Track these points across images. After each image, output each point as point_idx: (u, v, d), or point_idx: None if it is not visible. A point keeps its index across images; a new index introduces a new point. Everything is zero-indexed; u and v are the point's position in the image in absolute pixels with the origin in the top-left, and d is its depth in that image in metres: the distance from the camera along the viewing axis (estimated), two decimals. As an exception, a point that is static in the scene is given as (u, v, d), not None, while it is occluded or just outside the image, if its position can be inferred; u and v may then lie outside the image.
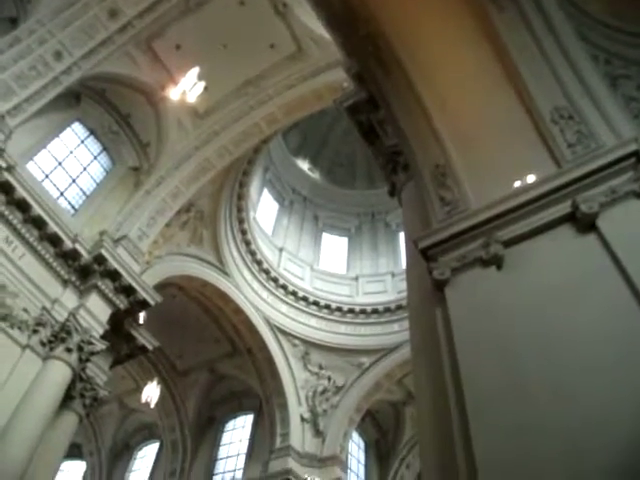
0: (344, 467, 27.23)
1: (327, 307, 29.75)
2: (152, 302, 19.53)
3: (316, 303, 29.75)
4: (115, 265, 18.37)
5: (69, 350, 16.58)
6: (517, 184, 7.55)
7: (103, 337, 17.93)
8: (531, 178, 7.49)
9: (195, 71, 20.11)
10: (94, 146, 21.36)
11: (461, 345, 6.45)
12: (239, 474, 28.79)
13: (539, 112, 7.86)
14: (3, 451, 14.05)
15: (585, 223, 6.66)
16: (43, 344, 16.44)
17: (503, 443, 5.40)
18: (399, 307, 28.77)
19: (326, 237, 35.25)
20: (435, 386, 6.80)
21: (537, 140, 7.80)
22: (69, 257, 17.99)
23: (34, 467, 14.92)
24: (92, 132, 21.33)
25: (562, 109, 7.71)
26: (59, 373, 16.23)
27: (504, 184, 7.59)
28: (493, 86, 8.48)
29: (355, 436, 30.37)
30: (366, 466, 31.26)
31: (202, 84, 20.21)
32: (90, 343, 17.18)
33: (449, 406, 6.16)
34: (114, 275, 18.42)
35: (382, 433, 32.06)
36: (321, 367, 28.64)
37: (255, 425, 30.46)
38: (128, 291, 18.89)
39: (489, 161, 8.11)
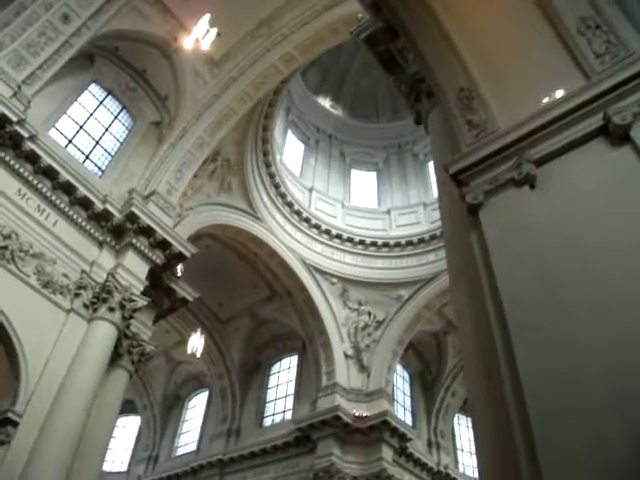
0: (390, 400, 27.61)
1: (361, 243, 29.80)
2: (188, 254, 19.66)
3: (350, 240, 29.80)
4: (147, 221, 18.46)
5: (112, 309, 16.83)
6: (545, 101, 7.34)
7: (143, 293, 18.14)
8: (559, 93, 7.26)
9: (206, 18, 19.71)
10: (113, 106, 21.28)
11: (499, 266, 6.39)
12: (289, 415, 29.34)
13: (564, 24, 7.57)
14: (61, 411, 14.45)
15: (618, 135, 6.45)
16: (86, 306, 16.73)
17: (547, 360, 5.38)
18: (433, 237, 28.76)
19: (355, 173, 35.13)
20: (476, 309, 6.78)
21: (564, 54, 7.52)
22: (101, 218, 18.14)
23: (91, 424, 15.34)
24: (110, 92, 21.22)
25: (588, 19, 7.40)
26: (104, 333, 16.51)
27: (532, 102, 7.37)
28: (514, 2, 8.19)
29: (399, 369, 30.68)
30: (412, 397, 31.66)
31: (214, 30, 19.81)
32: (131, 300, 17.41)
33: (491, 328, 6.13)
34: (148, 231, 18.54)
35: (425, 364, 32.36)
36: (360, 303, 28.83)
37: (300, 366, 30.90)
38: (163, 245, 19.01)
39: (515, 80, 7.88)
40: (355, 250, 29.71)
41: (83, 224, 17.70)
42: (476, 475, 27.64)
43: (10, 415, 14.03)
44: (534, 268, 6.09)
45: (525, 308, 5.88)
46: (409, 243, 29.54)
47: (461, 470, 31.45)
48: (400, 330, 28.40)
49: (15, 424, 14.04)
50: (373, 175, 35.22)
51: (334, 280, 28.89)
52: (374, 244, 29.81)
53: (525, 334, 5.68)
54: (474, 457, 28.30)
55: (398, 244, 29.67)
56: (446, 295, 25.88)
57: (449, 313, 28.00)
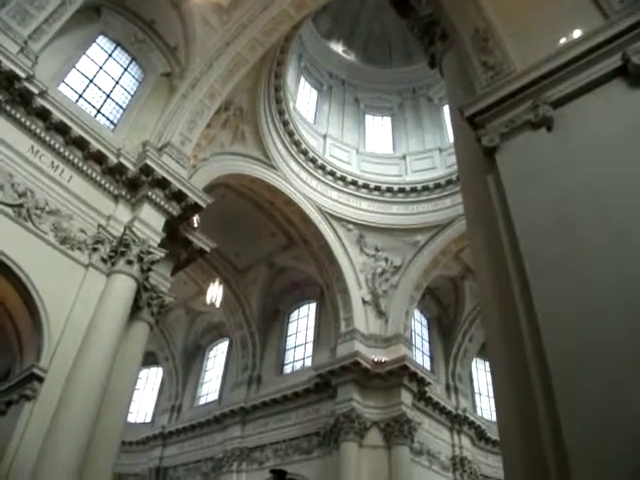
0: (409, 345, 27.80)
1: (377, 189, 29.68)
2: (203, 204, 19.60)
3: (366, 186, 29.68)
4: (162, 173, 18.38)
5: (130, 262, 16.87)
6: (563, 41, 7.18)
7: (161, 245, 18.10)
8: (577, 33, 7.09)
9: (214, -37, 19.34)
10: (122, 58, 20.96)
11: (516, 210, 6.35)
12: (308, 362, 29.72)
13: (581, -40, 7.36)
14: (84, 365, 14.62)
15: (637, 75, 6.31)
16: (104, 260, 16.76)
17: (563, 299, 5.37)
18: (449, 182, 28.62)
19: (369, 119, 34.86)
20: (493, 252, 6.76)
21: (581, -8, 7.34)
22: (116, 172, 18.05)
23: (115, 377, 15.53)
24: (118, 44, 20.89)
25: (608, -45, 7.19)
26: (124, 286, 16.58)
27: (549, 43, 7.21)
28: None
29: (417, 314, 30.88)
30: (430, 342, 31.95)
31: (223, -24, 19.46)
32: (149, 253, 17.43)
33: (508, 270, 6.13)
34: (162, 183, 18.47)
35: (443, 309, 32.52)
36: (377, 249, 28.87)
37: (319, 313, 31.17)
38: (179, 197, 18.94)
39: (531, 20, 7.69)
40: (371, 196, 29.62)
41: (98, 179, 17.64)
42: (494, 418, 27.98)
43: (35, 371, 14.25)
44: (551, 209, 6.04)
45: (542, 249, 5.86)
46: (425, 188, 29.39)
47: (479, 414, 31.88)
48: (417, 275, 28.47)
49: (40, 379, 14.26)
50: (388, 120, 34.92)
51: (350, 227, 28.88)
52: (390, 190, 29.69)
53: (542, 275, 5.68)
54: (492, 400, 28.68)
55: (414, 189, 29.53)
56: (463, 240, 25.89)
57: (466, 258, 28.01)
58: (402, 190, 29.60)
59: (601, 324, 5.02)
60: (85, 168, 17.38)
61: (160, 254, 17.91)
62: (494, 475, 29.01)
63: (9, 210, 15.01)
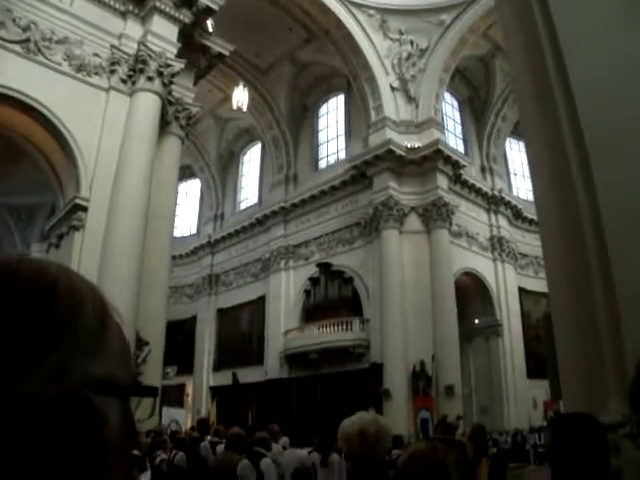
0: (441, 128, 27.65)
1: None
2: (215, 7, 18.72)
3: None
4: (165, -23, 17.45)
5: (150, 79, 16.55)
6: None
7: (178, 56, 17.60)
8: None
9: None
10: None
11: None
12: (342, 155, 29.94)
13: None
14: (123, 188, 14.96)
15: None
16: (124, 81, 16.44)
17: (601, 80, 5.13)
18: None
19: None
20: (523, 24, 6.35)
21: None
22: (117, -14, 17.18)
23: (155, 193, 15.86)
24: None
25: None
26: (148, 103, 16.41)
27: None
28: None
29: (447, 97, 30.39)
30: (462, 125, 31.71)
31: None
32: (168, 65, 17.00)
33: (541, 45, 5.76)
34: (168, -9, 17.59)
35: (474, 89, 31.88)
36: (401, 32, 27.78)
37: (347, 104, 30.96)
38: (188, 2, 18.03)
39: None
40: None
41: (101, -3, 16.84)
42: (530, 198, 28.23)
43: (78, 201, 14.72)
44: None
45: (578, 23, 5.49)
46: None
47: (515, 193, 32.38)
48: (445, 56, 27.57)
49: (84, 209, 14.76)
50: None
51: (371, 12, 27.60)
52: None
53: (577, 53, 5.37)
54: (528, 180, 28.75)
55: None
56: (491, 16, 24.55)
57: (496, 35, 26.74)
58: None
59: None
60: (85, -12, 16.49)
61: (179, 65, 17.51)
62: (532, 253, 29.89)
63: (16, 47, 14.52)
